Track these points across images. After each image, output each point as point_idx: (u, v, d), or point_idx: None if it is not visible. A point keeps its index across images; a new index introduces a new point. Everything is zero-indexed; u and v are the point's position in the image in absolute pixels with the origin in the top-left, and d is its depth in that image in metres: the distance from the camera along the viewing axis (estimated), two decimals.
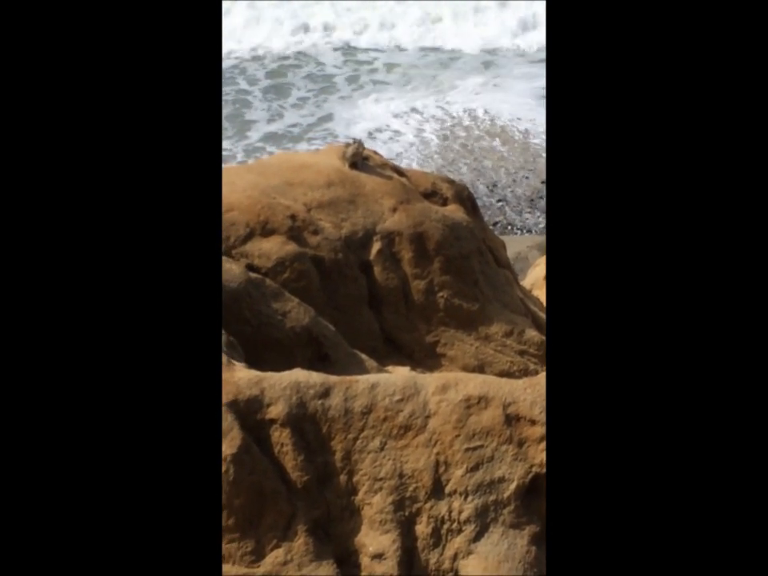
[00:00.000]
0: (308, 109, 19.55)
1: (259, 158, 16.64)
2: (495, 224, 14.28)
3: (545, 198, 15.03)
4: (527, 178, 16.07)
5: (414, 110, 19.24)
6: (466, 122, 18.58)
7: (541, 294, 9.20)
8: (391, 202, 6.17)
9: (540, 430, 4.04)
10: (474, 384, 4.15)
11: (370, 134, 18.01)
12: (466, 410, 4.08)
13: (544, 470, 4.01)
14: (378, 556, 3.96)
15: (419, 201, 6.35)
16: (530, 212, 14.84)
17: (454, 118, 18.86)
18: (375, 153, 6.88)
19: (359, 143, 6.40)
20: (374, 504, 4.00)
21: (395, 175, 6.47)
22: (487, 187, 15.61)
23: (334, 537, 4.02)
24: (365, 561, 3.98)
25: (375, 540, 3.97)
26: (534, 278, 9.86)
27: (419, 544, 3.99)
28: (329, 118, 19.10)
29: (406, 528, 3.99)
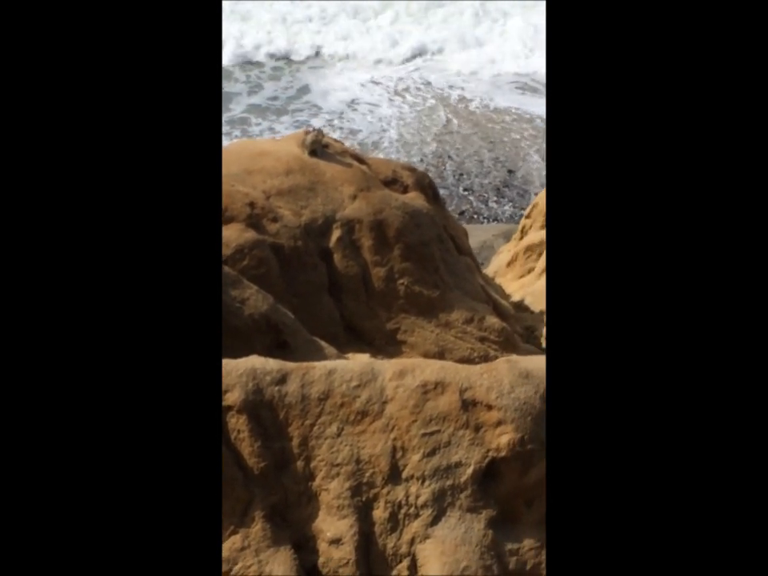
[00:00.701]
0: (285, 80, 19.57)
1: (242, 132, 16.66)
2: (462, 213, 14.29)
3: (510, 188, 15.12)
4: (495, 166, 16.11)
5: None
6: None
7: (504, 281, 9.27)
8: (351, 189, 6.19)
9: (496, 414, 4.06)
10: (431, 370, 4.16)
11: (348, 104, 18.10)
12: (423, 395, 4.08)
13: (501, 454, 4.03)
14: (336, 541, 3.95)
15: (379, 188, 6.37)
16: (496, 201, 14.86)
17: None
18: (336, 140, 6.89)
19: (319, 131, 6.41)
20: (332, 489, 3.99)
21: (355, 163, 6.49)
22: (454, 176, 15.61)
23: (292, 522, 4.01)
24: (322, 546, 3.97)
25: (333, 525, 3.96)
26: (498, 266, 9.90)
27: (376, 529, 3.98)
28: (305, 89, 19.15)
29: (364, 513, 3.98)
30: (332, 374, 4.10)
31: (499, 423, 4.05)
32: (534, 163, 16.03)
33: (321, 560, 3.97)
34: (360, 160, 6.65)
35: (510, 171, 15.74)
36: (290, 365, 4.13)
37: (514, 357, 4.48)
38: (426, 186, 7.03)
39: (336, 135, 15.57)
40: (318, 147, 6.32)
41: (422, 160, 16.11)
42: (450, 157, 16.40)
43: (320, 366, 4.15)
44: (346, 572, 3.95)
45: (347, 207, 6.08)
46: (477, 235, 11.87)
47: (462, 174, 15.76)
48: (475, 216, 14.57)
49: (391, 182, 6.68)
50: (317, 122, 17.23)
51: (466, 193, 15.17)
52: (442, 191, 14.50)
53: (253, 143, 6.55)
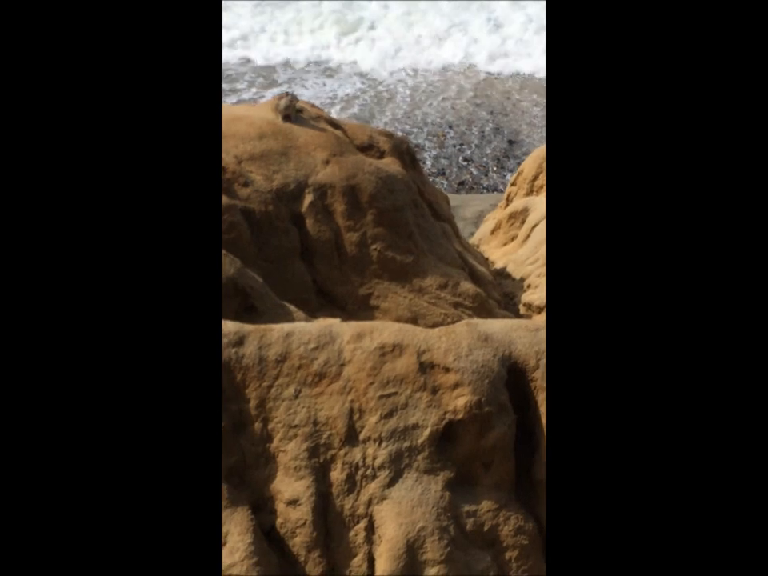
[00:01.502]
0: None
1: None
2: (461, 183, 14.21)
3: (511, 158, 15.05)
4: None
5: None
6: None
7: (487, 249, 9.27)
8: (324, 154, 6.18)
9: (454, 377, 4.07)
10: (389, 332, 4.17)
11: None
12: (381, 357, 4.10)
13: (458, 417, 4.04)
14: (293, 502, 3.98)
15: (353, 153, 6.36)
16: (496, 171, 14.80)
17: None
18: (312, 105, 6.86)
19: (293, 96, 6.39)
20: (289, 451, 4.01)
21: (329, 128, 6.47)
22: (454, 146, 15.52)
23: (250, 483, 4.03)
24: (280, 507, 4.00)
25: (290, 486, 3.99)
26: (482, 234, 9.88)
27: (334, 490, 4.01)
28: None
29: (321, 474, 4.01)
30: (289, 337, 4.12)
31: (456, 385, 4.07)
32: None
33: (279, 521, 4.00)
34: (335, 125, 6.64)
35: (510, 142, 15.64)
36: (247, 327, 4.14)
37: (474, 320, 4.48)
38: (404, 152, 7.01)
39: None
40: (292, 112, 6.30)
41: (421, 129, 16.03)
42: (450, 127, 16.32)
43: (277, 329, 4.16)
44: (304, 532, 3.98)
45: (320, 172, 6.07)
46: (474, 205, 11.84)
47: (462, 144, 15.67)
48: (474, 186, 14.53)
49: (367, 148, 6.67)
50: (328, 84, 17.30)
51: (466, 163, 15.10)
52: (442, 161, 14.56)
53: (227, 108, 6.53)
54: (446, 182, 14.03)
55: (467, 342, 4.17)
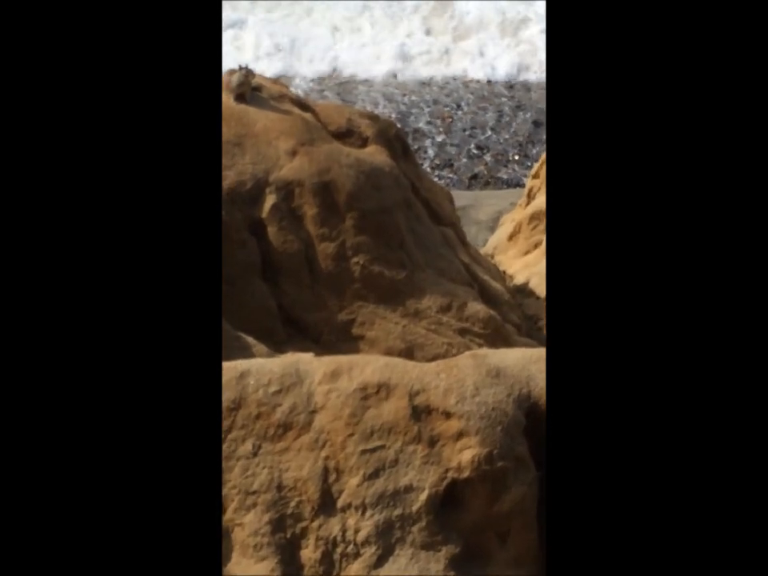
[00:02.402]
0: None
1: None
2: (474, 177, 14.18)
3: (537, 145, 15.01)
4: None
5: None
6: None
7: (504, 258, 9.30)
8: (289, 143, 6.21)
9: (457, 423, 4.08)
10: (373, 368, 4.18)
11: None
12: (362, 401, 4.11)
13: (463, 475, 4.05)
14: None
15: (327, 142, 6.39)
16: (517, 161, 14.77)
17: None
18: (274, 81, 6.89)
19: (248, 70, 6.38)
20: (246, 524, 4.03)
21: (296, 109, 6.49)
22: (464, 131, 15.49)
23: None
24: None
25: (249, 569, 4.00)
26: (498, 240, 9.91)
27: (306, 573, 4.01)
28: None
29: (288, 553, 4.02)
30: (244, 378, 4.14)
31: (461, 435, 4.08)
32: None
33: None
34: (304, 106, 6.66)
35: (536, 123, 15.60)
36: None
37: (484, 350, 4.48)
38: (392, 138, 7.03)
39: None
40: (247, 90, 6.31)
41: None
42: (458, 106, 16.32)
43: (230, 368, 4.17)
44: None
45: (284, 166, 6.09)
46: (490, 204, 11.79)
47: (474, 128, 15.63)
48: (491, 181, 14.48)
49: (345, 134, 6.68)
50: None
51: (479, 152, 15.07)
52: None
53: None
54: (453, 176, 14.02)
55: (473, 380, 4.18)
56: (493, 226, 10.98)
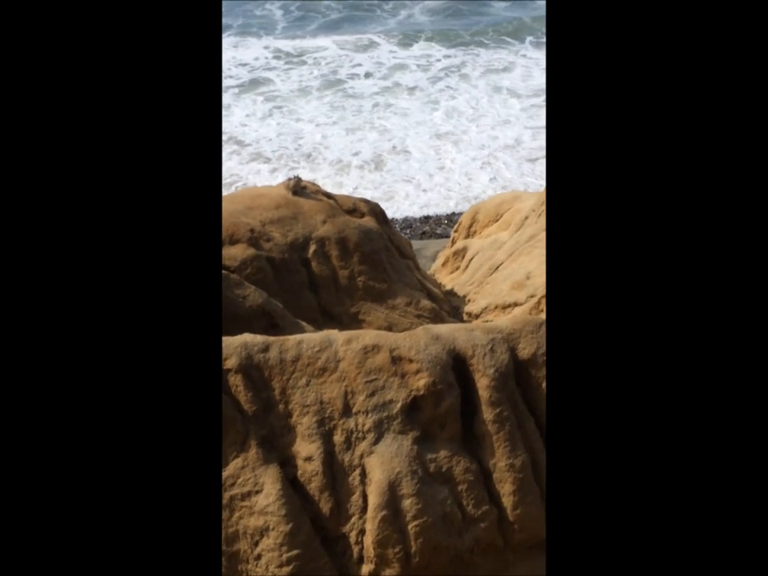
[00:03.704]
0: None
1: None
2: (423, 233, 13.67)
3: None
4: None
5: None
6: None
7: (440, 276, 9.18)
8: (322, 216, 6.17)
9: (416, 365, 4.02)
10: (370, 337, 4.13)
11: None
12: (364, 355, 4.05)
13: (420, 393, 3.98)
14: (308, 459, 3.92)
15: (342, 215, 6.35)
16: (446, 224, 14.61)
17: None
18: (312, 183, 6.86)
19: (298, 178, 6.38)
20: (304, 423, 3.96)
21: (325, 198, 6.46)
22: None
23: (277, 448, 3.98)
24: (299, 462, 3.94)
25: (306, 448, 3.94)
26: (436, 266, 9.79)
27: (336, 449, 3.96)
28: None
29: (327, 438, 3.96)
30: (301, 344, 4.08)
31: (418, 371, 4.03)
32: None
33: (299, 472, 3.95)
34: (328, 196, 6.62)
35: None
36: (271, 338, 4.10)
37: (429, 325, 4.45)
38: (378, 213, 7.00)
39: None
40: (299, 189, 6.30)
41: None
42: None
43: (292, 339, 4.12)
44: (317, 480, 3.92)
45: (319, 229, 6.06)
46: (432, 247, 11.65)
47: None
48: (432, 235, 14.16)
49: (352, 211, 6.66)
50: None
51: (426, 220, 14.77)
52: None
53: (251, 189, 6.52)
54: (411, 233, 13.88)
55: (424, 341, 4.12)
56: (433, 259, 10.90)
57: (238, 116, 15.47)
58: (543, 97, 15.55)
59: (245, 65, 17.26)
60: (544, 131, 13.73)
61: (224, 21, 20.57)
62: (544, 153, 13.36)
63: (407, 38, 18.77)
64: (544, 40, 18.22)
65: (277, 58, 17.85)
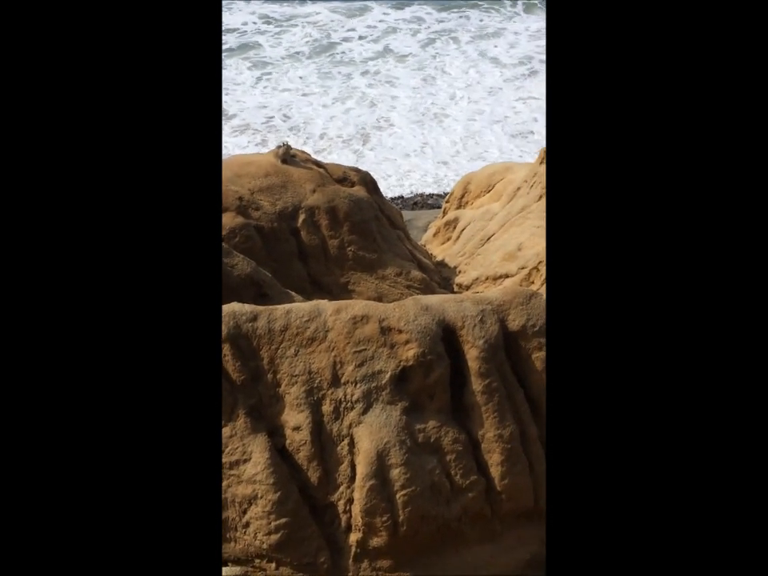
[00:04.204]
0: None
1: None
2: (415, 203, 13.59)
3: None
4: None
5: None
6: None
7: (431, 247, 9.15)
8: (312, 185, 6.13)
9: (405, 336, 4.02)
10: (359, 307, 4.10)
11: None
12: (353, 325, 4.03)
13: (409, 364, 3.99)
14: (297, 428, 3.94)
15: (332, 184, 6.31)
16: (438, 195, 14.52)
17: None
18: (302, 152, 6.80)
19: (287, 146, 6.31)
20: (292, 393, 3.97)
21: (315, 167, 6.41)
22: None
23: (266, 417, 3.99)
24: (288, 432, 3.96)
25: (294, 417, 3.95)
26: (427, 237, 9.76)
27: (325, 418, 3.97)
28: None
29: (316, 408, 3.96)
30: (289, 313, 4.06)
31: (407, 342, 4.02)
32: None
33: (287, 441, 3.97)
34: (318, 165, 6.57)
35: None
36: (259, 308, 4.08)
37: (419, 296, 4.44)
38: (368, 182, 6.95)
39: None
40: (288, 157, 6.24)
41: None
42: None
43: (281, 308, 4.10)
44: (305, 449, 3.94)
45: (309, 198, 6.02)
46: (424, 217, 11.54)
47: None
48: (424, 205, 14.04)
49: (342, 180, 6.61)
50: None
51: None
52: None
53: (240, 156, 6.46)
54: (402, 203, 13.75)
55: (414, 311, 4.11)
56: (425, 229, 10.84)
57: (224, 84, 15.10)
58: (529, 65, 15.33)
59: (233, 30, 16.89)
60: (530, 103, 13.73)
61: None
62: (530, 128, 13.17)
63: (400, 3, 18.49)
64: (534, 2, 18.03)
65: (267, 23, 17.51)
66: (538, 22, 17.09)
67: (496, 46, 16.02)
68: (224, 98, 14.32)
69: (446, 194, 13.11)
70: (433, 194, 13.78)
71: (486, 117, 13.88)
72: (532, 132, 13.10)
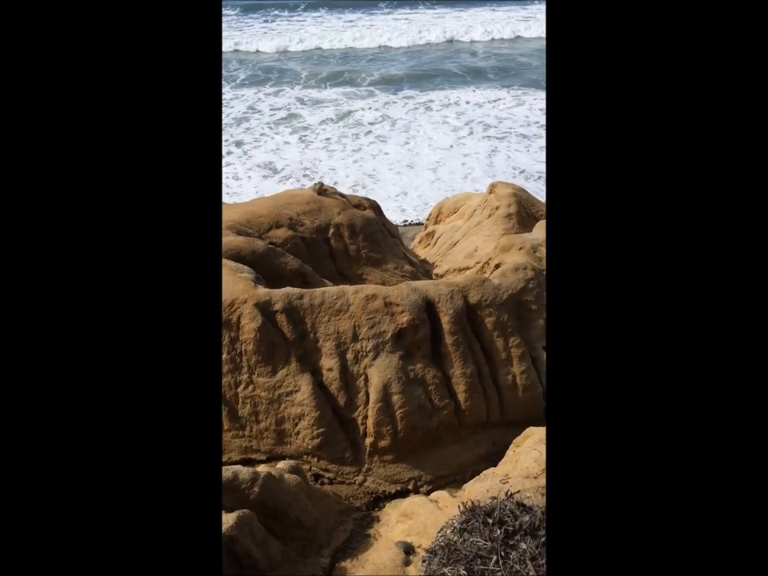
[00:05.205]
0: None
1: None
2: (405, 221, 13.14)
3: None
4: None
5: None
6: None
7: (417, 250, 9.14)
8: (337, 209, 6.13)
9: (401, 308, 4.07)
10: (370, 289, 4.15)
11: None
12: (366, 301, 4.08)
13: (404, 326, 4.02)
14: (330, 369, 3.99)
15: (351, 209, 6.32)
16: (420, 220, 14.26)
17: None
18: (331, 186, 6.81)
19: (321, 183, 6.34)
20: (326, 346, 4.02)
21: (339, 197, 6.43)
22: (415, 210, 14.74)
23: (309, 362, 4.04)
24: (324, 372, 4.02)
25: (328, 362, 4.00)
26: (414, 244, 9.69)
27: (348, 363, 4.02)
28: None
29: (342, 356, 4.01)
30: (324, 294, 4.11)
31: (402, 312, 4.06)
32: None
33: (324, 378, 4.02)
34: (342, 195, 6.58)
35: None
36: (304, 290, 4.14)
37: (410, 281, 4.48)
38: (375, 207, 6.95)
39: None
40: (322, 191, 6.26)
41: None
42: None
43: (318, 290, 4.15)
44: (336, 383, 4.00)
45: (336, 218, 6.04)
46: (413, 231, 11.35)
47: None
48: (412, 224, 13.85)
49: (358, 206, 6.61)
50: None
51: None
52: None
53: (291, 191, 6.48)
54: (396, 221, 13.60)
55: (406, 291, 4.15)
56: (413, 238, 10.72)
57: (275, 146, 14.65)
58: (470, 127, 14.90)
59: (279, 109, 16.59)
60: (471, 155, 13.29)
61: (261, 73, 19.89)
62: (475, 173, 12.78)
63: (392, 85, 18.38)
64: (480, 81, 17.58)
65: (301, 103, 17.30)
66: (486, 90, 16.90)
67: (454, 114, 15.83)
68: (273, 156, 13.97)
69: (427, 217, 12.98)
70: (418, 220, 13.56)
71: (446, 164, 13.68)
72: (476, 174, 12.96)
